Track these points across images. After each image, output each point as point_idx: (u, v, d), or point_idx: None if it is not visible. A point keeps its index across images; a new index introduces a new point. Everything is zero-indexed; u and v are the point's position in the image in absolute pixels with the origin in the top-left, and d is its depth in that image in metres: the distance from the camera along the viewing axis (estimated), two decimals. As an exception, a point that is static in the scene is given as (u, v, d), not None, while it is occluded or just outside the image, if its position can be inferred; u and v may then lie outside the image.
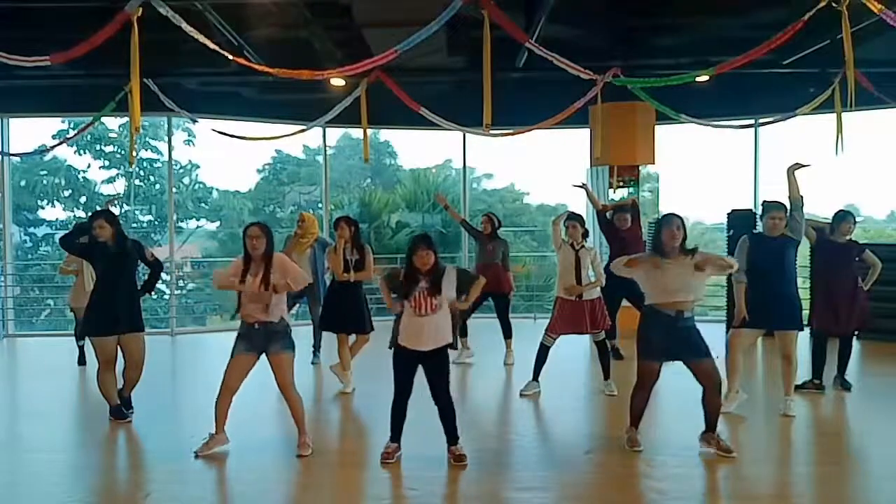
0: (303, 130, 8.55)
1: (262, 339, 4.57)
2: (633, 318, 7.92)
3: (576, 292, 5.95)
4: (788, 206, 5.28)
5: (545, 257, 16.17)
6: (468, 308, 7.42)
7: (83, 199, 18.88)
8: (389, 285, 4.51)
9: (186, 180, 19.53)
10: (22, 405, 6.58)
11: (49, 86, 8.99)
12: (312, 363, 7.49)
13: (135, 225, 18.76)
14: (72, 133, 12.50)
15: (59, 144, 13.95)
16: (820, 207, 7.75)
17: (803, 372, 5.94)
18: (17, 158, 14.09)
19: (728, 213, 9.22)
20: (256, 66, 5.98)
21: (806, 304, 5.75)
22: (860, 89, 5.81)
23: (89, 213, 5.61)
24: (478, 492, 4.14)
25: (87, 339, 6.21)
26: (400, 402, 4.46)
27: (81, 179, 19.01)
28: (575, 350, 7.42)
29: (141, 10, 4.86)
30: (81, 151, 18.71)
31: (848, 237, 6.10)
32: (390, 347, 4.47)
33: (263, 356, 4.62)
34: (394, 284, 4.45)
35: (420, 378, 4.45)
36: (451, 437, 4.46)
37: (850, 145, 5.99)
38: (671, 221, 4.46)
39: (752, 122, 9.41)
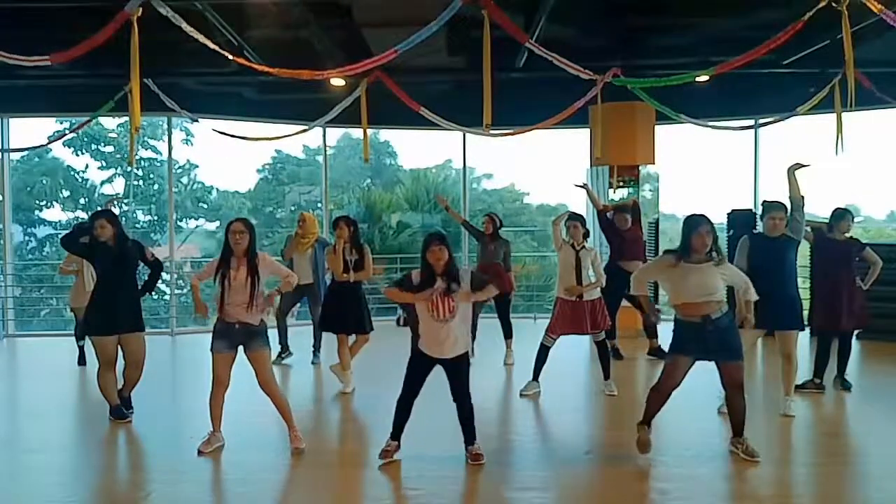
0: (303, 130, 8.55)
1: (240, 337, 4.60)
2: (633, 318, 8.04)
3: (576, 293, 5.95)
4: (789, 207, 5.28)
5: (545, 257, 16.17)
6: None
7: (83, 200, 18.88)
8: (402, 288, 4.38)
9: (185, 180, 19.54)
10: (22, 405, 6.58)
11: (49, 86, 8.99)
12: (312, 363, 7.49)
13: (137, 225, 18.77)
14: (69, 132, 12.47)
15: (58, 139, 13.92)
16: (820, 207, 7.75)
17: (803, 372, 5.94)
18: (17, 159, 14.11)
19: (728, 213, 9.23)
20: (256, 66, 5.97)
21: (806, 304, 5.74)
22: (860, 89, 5.81)
23: (89, 214, 5.61)
24: (478, 492, 4.15)
25: (87, 339, 6.21)
26: (407, 400, 4.43)
27: (80, 180, 19.02)
28: (575, 350, 7.42)
29: (141, 10, 4.85)
30: (79, 152, 18.72)
31: (847, 235, 6.10)
32: (413, 347, 4.44)
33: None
34: (406, 288, 4.36)
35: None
36: (469, 436, 4.47)
37: (850, 145, 6.00)
38: (700, 226, 4.24)
39: (751, 122, 9.41)
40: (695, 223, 4.28)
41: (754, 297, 4.47)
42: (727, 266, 4.40)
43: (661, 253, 4.44)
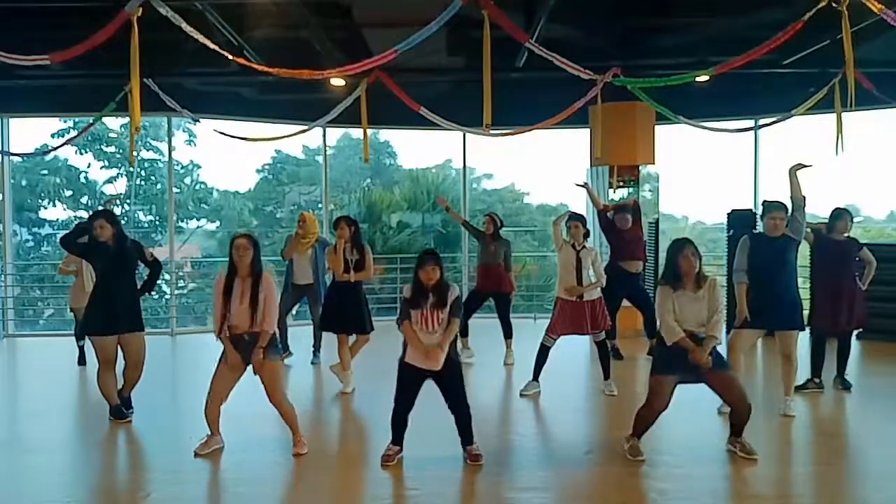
0: (303, 131, 8.54)
1: (249, 349, 4.54)
2: (633, 318, 8.03)
3: (576, 293, 5.95)
4: (790, 207, 5.28)
5: (545, 257, 16.17)
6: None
7: (85, 200, 18.89)
8: (408, 316, 4.40)
9: (187, 180, 19.54)
10: (22, 405, 6.58)
11: (49, 86, 8.98)
12: (312, 363, 7.49)
13: (144, 225, 18.78)
14: (73, 133, 12.47)
15: (62, 145, 13.93)
16: (820, 208, 7.75)
17: (803, 372, 5.94)
18: (19, 158, 14.10)
19: (728, 213, 9.22)
20: (256, 66, 5.97)
21: (806, 305, 5.74)
22: (860, 89, 5.81)
23: (90, 213, 5.61)
24: (478, 492, 4.15)
25: (87, 339, 6.21)
26: (401, 413, 4.45)
27: (83, 179, 19.02)
28: (575, 350, 7.42)
29: (141, 10, 4.86)
30: (82, 151, 18.71)
31: (846, 234, 6.10)
32: (401, 361, 4.43)
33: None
34: (406, 308, 4.39)
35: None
36: (467, 438, 4.49)
37: (850, 145, 6.00)
38: (685, 248, 4.33)
39: (751, 123, 9.40)
40: (679, 246, 4.38)
41: (718, 333, 4.41)
42: (716, 296, 4.40)
43: (658, 279, 4.48)
